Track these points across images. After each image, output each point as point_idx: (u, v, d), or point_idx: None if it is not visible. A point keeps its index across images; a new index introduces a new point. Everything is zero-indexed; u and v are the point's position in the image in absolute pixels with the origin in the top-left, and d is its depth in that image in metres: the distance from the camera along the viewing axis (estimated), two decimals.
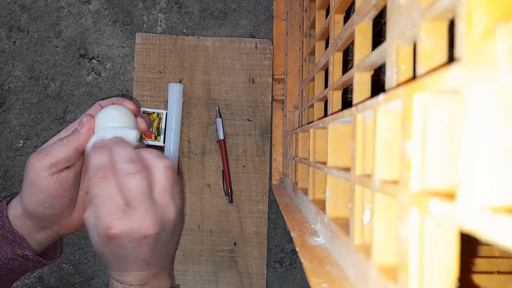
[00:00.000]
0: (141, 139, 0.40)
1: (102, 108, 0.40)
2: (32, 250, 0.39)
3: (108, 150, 0.35)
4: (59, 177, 0.36)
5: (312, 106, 0.45)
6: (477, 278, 0.36)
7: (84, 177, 0.40)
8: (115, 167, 0.34)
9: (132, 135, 0.38)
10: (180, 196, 0.38)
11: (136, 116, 0.40)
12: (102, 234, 0.33)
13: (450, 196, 0.13)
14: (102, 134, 0.37)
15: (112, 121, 0.38)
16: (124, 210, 0.33)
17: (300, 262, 0.69)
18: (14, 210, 0.39)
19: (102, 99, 0.41)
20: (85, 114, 0.39)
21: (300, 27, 0.59)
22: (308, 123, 0.45)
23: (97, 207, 0.33)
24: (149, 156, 0.35)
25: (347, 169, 0.25)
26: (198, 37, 0.68)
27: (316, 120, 0.38)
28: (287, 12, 0.64)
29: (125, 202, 0.33)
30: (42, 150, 0.36)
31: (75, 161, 0.38)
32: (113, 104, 0.40)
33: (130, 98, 0.69)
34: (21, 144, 0.69)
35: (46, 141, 0.71)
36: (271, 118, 0.68)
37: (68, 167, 0.37)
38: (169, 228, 0.36)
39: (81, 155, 0.38)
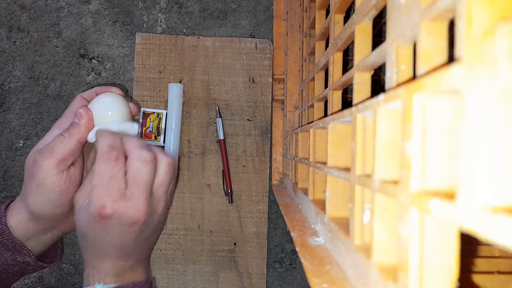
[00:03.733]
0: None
1: (84, 98, 0.40)
2: (33, 256, 0.39)
3: (120, 136, 0.36)
4: (68, 174, 0.36)
5: (312, 106, 0.45)
6: (477, 278, 0.36)
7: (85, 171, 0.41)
8: (130, 152, 0.35)
9: (135, 129, 0.39)
10: (171, 197, 0.39)
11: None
12: (94, 212, 0.33)
13: (450, 196, 0.13)
14: (106, 126, 0.38)
15: (107, 109, 0.38)
16: (122, 193, 0.33)
17: (300, 262, 0.69)
18: (18, 216, 0.38)
19: (83, 91, 0.42)
20: (79, 107, 0.38)
21: (300, 27, 0.59)
22: (308, 123, 0.45)
23: (98, 184, 0.33)
24: (155, 150, 0.36)
25: (347, 169, 0.25)
26: (198, 37, 0.68)
27: (316, 120, 0.38)
28: (287, 12, 0.64)
29: (125, 186, 0.34)
30: (44, 149, 0.36)
31: (78, 155, 0.38)
32: (96, 93, 0.40)
33: (130, 98, 0.69)
34: (21, 144, 0.69)
35: None
36: (271, 118, 0.68)
37: (73, 164, 0.37)
38: (155, 222, 0.36)
39: (83, 148, 0.38)
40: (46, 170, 0.35)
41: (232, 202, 0.67)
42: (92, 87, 0.42)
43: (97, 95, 0.40)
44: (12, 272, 0.39)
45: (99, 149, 0.35)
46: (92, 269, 0.35)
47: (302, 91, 0.55)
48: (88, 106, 0.38)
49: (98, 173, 0.33)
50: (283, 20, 0.68)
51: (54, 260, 0.43)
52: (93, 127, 0.38)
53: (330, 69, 0.34)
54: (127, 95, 0.70)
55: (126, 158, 0.35)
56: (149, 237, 0.37)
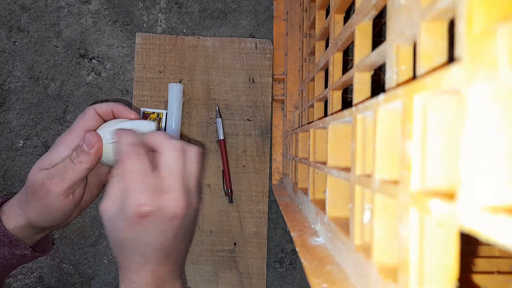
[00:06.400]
0: None
1: (98, 114, 0.39)
2: (29, 249, 0.40)
3: (139, 134, 0.35)
4: (73, 197, 0.38)
5: (312, 106, 0.45)
6: (477, 278, 0.36)
7: None
8: (159, 143, 0.34)
9: (152, 127, 0.39)
10: (200, 191, 0.38)
11: None
12: (132, 214, 0.31)
13: (450, 196, 0.13)
14: (121, 126, 0.38)
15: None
16: (158, 188, 0.32)
17: (300, 262, 0.69)
18: (15, 222, 0.38)
19: (95, 102, 0.41)
20: (90, 123, 0.38)
21: (300, 27, 0.59)
22: (308, 123, 0.45)
23: (129, 184, 0.32)
24: (180, 142, 0.36)
25: (347, 169, 0.25)
26: (198, 37, 0.68)
27: (316, 120, 0.38)
28: (287, 12, 0.64)
29: (157, 180, 0.32)
30: (54, 174, 0.36)
31: (85, 178, 0.39)
32: (112, 112, 0.39)
33: (130, 98, 0.69)
34: (21, 144, 0.69)
35: (46, 141, 0.71)
36: (271, 118, 0.68)
37: (78, 185, 0.39)
38: (191, 216, 0.35)
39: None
40: (55, 196, 0.37)
41: (232, 202, 0.67)
42: (107, 101, 0.42)
43: (113, 113, 0.39)
44: (9, 265, 0.40)
45: (121, 150, 0.33)
46: (130, 283, 0.33)
47: (302, 91, 0.55)
48: (99, 132, 0.38)
49: (127, 173, 0.32)
50: (283, 20, 0.68)
51: (48, 249, 0.44)
52: (102, 154, 0.38)
53: (330, 69, 0.34)
54: (127, 95, 0.70)
55: (153, 152, 0.34)
56: (186, 235, 0.36)
